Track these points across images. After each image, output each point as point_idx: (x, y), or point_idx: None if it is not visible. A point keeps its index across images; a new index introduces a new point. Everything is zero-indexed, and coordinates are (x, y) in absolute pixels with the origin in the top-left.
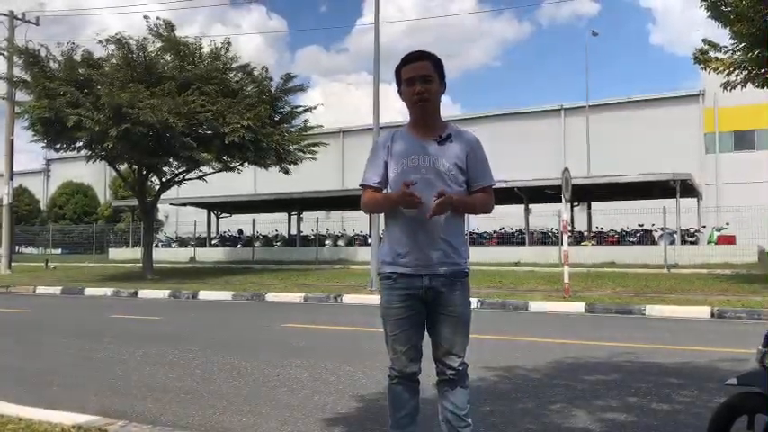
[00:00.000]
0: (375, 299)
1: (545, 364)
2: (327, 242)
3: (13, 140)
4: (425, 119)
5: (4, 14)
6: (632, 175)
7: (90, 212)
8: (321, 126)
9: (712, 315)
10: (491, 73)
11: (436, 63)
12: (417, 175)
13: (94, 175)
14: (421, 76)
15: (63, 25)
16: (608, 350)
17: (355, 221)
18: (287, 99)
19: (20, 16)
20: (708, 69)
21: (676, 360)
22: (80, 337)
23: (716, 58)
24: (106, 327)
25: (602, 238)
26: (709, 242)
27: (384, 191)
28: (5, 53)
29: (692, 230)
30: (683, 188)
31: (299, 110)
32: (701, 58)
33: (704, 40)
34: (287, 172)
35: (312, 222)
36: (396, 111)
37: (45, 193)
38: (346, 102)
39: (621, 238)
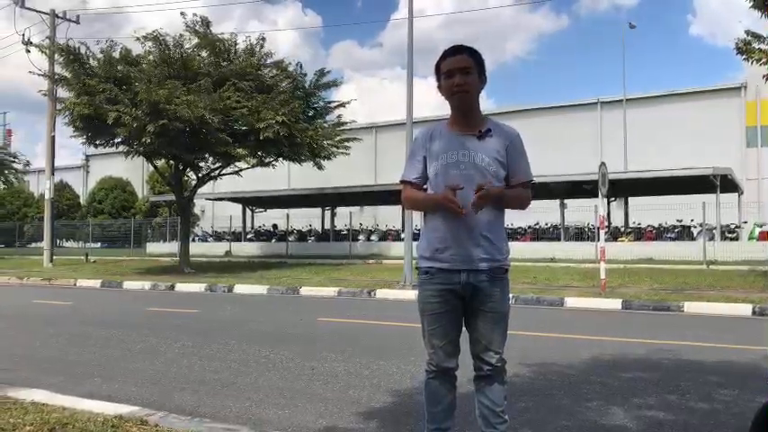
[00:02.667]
0: (409, 294)
1: (581, 360)
2: (361, 237)
3: (54, 137)
4: (464, 113)
5: (46, 13)
6: (671, 169)
7: (128, 207)
8: (354, 121)
9: (754, 313)
10: (527, 66)
11: (476, 57)
12: (457, 171)
13: (132, 170)
14: (460, 68)
15: (103, 23)
16: (645, 347)
17: (388, 216)
18: (321, 94)
19: (61, 15)
20: (750, 60)
21: (716, 358)
22: (120, 329)
23: (759, 49)
24: (145, 319)
25: (639, 234)
26: (750, 238)
27: (424, 186)
28: (47, 51)
29: (732, 226)
30: (724, 183)
31: (333, 105)
32: (744, 49)
33: (747, 31)
34: (320, 167)
35: (345, 217)
36: (429, 108)
37: (84, 188)
38: (380, 97)
39: (659, 233)
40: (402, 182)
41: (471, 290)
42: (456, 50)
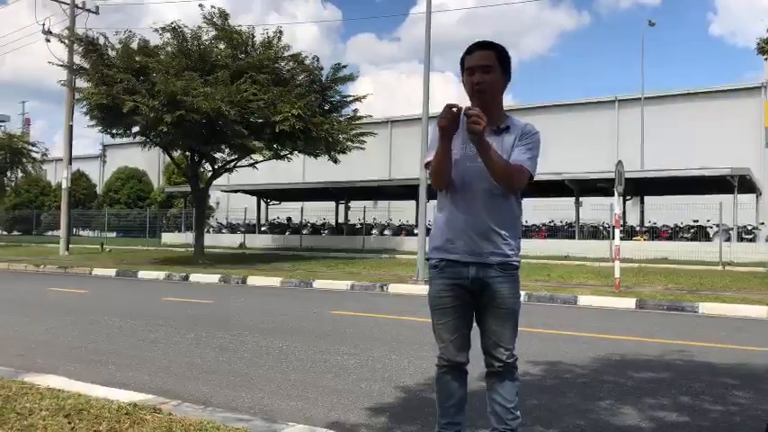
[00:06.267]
0: (421, 289)
1: (593, 359)
2: (374, 231)
3: (72, 126)
4: (484, 109)
5: (66, 3)
6: (688, 169)
7: (144, 197)
8: (370, 116)
9: None
10: (546, 63)
11: (500, 54)
12: (472, 164)
13: (148, 161)
14: (481, 66)
15: (122, 14)
16: (659, 347)
17: (402, 211)
18: (337, 88)
19: (80, 5)
20: None
21: (731, 360)
22: (134, 318)
23: None
24: (159, 309)
25: (654, 234)
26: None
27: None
28: (66, 41)
29: (749, 227)
30: (742, 183)
31: (349, 99)
32: (765, 48)
33: None
34: (336, 161)
35: (359, 211)
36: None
37: (101, 178)
38: (397, 91)
39: (675, 233)
40: (426, 165)
41: (480, 285)
42: (479, 46)
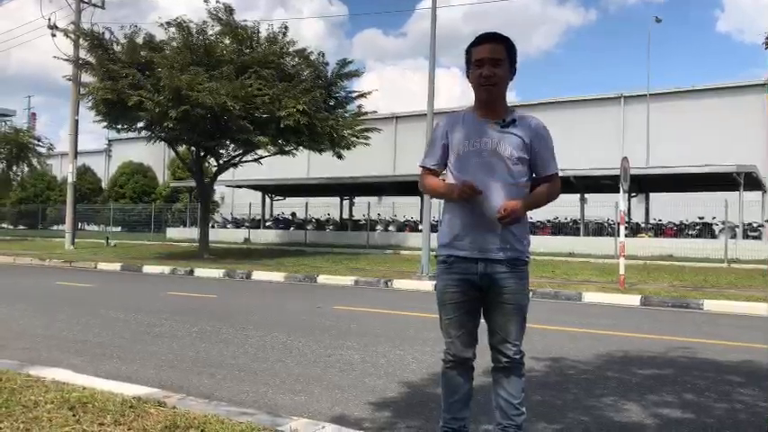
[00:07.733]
0: (425, 285)
1: (597, 356)
2: (378, 227)
3: (77, 121)
4: (490, 103)
5: None
6: (694, 166)
7: (149, 192)
8: (375, 111)
9: None
10: (552, 59)
11: (509, 47)
12: (478, 159)
13: (154, 155)
14: (491, 58)
15: (128, 9)
16: (663, 344)
17: (406, 207)
18: (342, 84)
19: (86, 0)
20: None
21: (736, 357)
22: (139, 312)
23: None
24: (164, 303)
25: (659, 230)
26: None
27: (443, 173)
28: (72, 36)
29: (755, 225)
30: (748, 180)
31: (354, 95)
32: None
33: None
34: (340, 157)
35: (363, 207)
36: (453, 99)
37: (106, 173)
38: (402, 87)
39: (680, 230)
40: (421, 167)
41: (489, 281)
42: (489, 38)
